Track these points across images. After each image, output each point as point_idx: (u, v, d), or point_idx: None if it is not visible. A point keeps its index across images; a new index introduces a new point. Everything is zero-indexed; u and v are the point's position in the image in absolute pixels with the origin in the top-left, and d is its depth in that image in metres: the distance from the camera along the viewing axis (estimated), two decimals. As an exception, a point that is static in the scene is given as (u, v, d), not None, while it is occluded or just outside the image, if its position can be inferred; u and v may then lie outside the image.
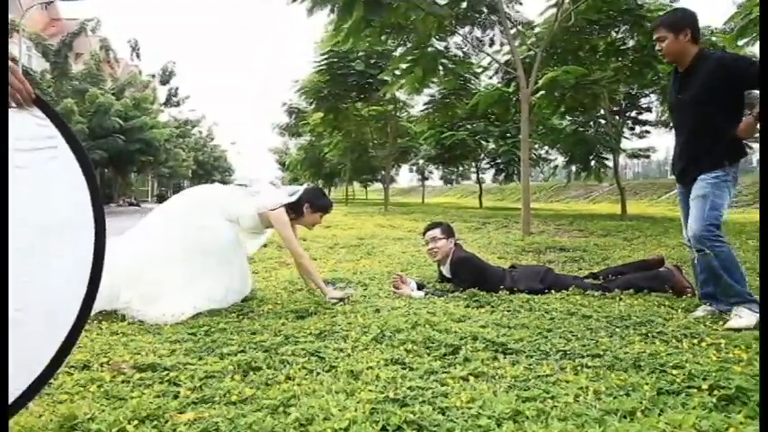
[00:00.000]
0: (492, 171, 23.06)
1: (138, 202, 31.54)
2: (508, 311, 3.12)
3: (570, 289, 3.56)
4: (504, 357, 2.31)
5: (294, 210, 3.49)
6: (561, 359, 2.27)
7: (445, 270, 3.85)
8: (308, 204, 3.53)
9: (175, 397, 1.84)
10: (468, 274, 3.63)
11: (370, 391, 1.84)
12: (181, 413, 1.71)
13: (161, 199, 40.56)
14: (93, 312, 2.43)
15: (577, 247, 6.53)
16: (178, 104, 33.64)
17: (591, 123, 14.82)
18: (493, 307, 3.24)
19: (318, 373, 2.08)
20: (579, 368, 2.13)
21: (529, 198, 9.30)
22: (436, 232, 3.80)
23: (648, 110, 16.09)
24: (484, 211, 17.46)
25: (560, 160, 19.62)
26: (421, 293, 3.58)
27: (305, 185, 3.69)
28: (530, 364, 2.19)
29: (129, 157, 26.22)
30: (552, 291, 3.55)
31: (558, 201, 30.78)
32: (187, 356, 2.28)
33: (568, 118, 14.76)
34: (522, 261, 5.53)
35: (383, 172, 23.63)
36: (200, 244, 3.15)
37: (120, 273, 2.95)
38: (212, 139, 54.50)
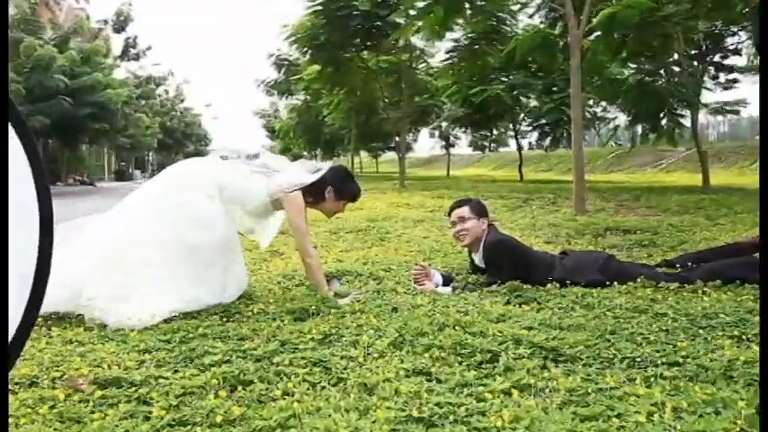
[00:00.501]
0: (535, 135, 22.90)
1: (92, 180, 31.89)
2: (560, 309, 3.11)
3: (638, 280, 3.53)
4: (556, 366, 2.31)
5: (312, 192, 3.49)
6: (629, 368, 2.26)
7: (478, 258, 3.84)
8: (332, 188, 3.55)
9: (146, 419, 1.86)
10: (506, 263, 3.62)
11: (387, 408, 1.85)
12: (153, 439, 1.72)
13: (120, 176, 41.02)
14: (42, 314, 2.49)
15: (647, 228, 6.48)
16: (138, 58, 33.72)
17: (661, 72, 14.56)
18: (540, 303, 3.23)
19: (323, 387, 2.09)
20: (652, 379, 2.12)
21: (582, 168, 9.23)
22: (464, 211, 3.79)
23: (737, 52, 15.72)
24: (525, 185, 17.36)
25: (622, 119, 19.42)
26: (448, 289, 3.58)
27: (329, 163, 3.71)
28: (588, 375, 2.18)
29: (79, 123, 26.36)
30: (615, 283, 3.52)
31: (620, 170, 30.51)
32: (160, 369, 2.30)
33: (632, 65, 14.54)
34: (576, 247, 5.50)
35: (397, 138, 23.53)
36: (179, 227, 3.17)
37: (91, 261, 3.02)
38: (182, 100, 54.77)
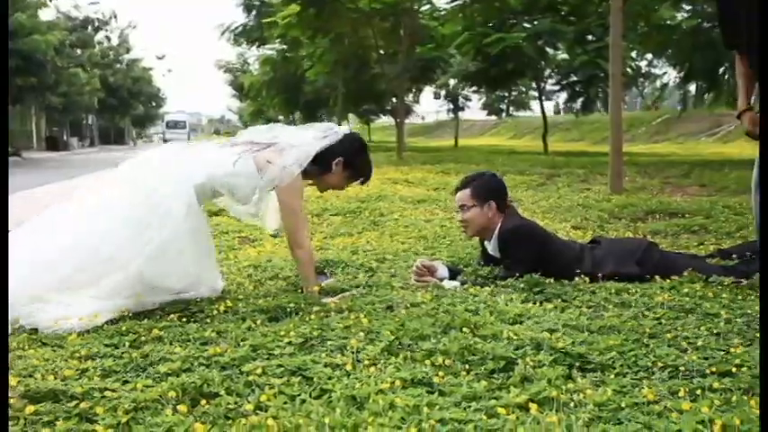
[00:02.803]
0: (563, 95, 22.93)
1: (18, 150, 31.67)
2: (589, 308, 3.17)
3: (685, 274, 3.60)
4: (584, 376, 2.36)
5: (316, 161, 3.52)
6: (671, 378, 2.32)
7: (491, 247, 3.90)
8: (341, 159, 3.57)
9: (91, 439, 1.91)
10: (525, 252, 3.68)
11: (380, 425, 1.90)
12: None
13: (52, 144, 40.82)
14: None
15: (697, 211, 6.56)
16: (71, -6, 33.37)
17: (721, 17, 14.56)
18: (565, 301, 3.30)
19: (303, 401, 2.14)
20: (699, 392, 2.17)
21: (621, 136, 9.28)
22: (464, 196, 3.86)
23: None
24: (551, 157, 17.45)
25: (671, 76, 19.44)
26: (455, 283, 3.64)
27: (343, 128, 3.71)
28: (622, 386, 2.24)
29: (-2, 79, 26.27)
30: (656, 277, 3.59)
31: (668, 140, 30.64)
32: (106, 379, 2.34)
33: (685, 8, 14.53)
34: (610, 233, 5.57)
35: (394, 99, 23.53)
36: (143, 212, 3.26)
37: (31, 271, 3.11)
38: (128, 50, 54.37)
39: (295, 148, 3.46)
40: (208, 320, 3.03)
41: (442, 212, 6.70)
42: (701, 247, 4.88)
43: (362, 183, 3.78)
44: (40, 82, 28.73)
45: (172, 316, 3.06)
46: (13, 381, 2.29)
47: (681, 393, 2.17)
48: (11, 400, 2.16)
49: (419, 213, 6.69)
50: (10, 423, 2.01)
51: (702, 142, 28.20)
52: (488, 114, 44.47)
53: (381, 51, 20.80)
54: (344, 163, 3.58)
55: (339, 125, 3.74)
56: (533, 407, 2.02)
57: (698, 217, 6.21)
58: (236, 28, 29.80)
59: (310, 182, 3.66)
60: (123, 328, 2.88)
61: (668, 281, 3.54)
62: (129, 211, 3.29)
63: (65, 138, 46.15)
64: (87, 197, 3.56)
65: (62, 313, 2.97)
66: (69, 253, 3.19)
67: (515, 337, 2.64)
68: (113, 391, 2.24)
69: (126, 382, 2.35)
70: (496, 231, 3.82)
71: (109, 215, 3.30)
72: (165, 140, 53.34)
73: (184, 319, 3.04)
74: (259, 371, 2.36)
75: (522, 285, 3.48)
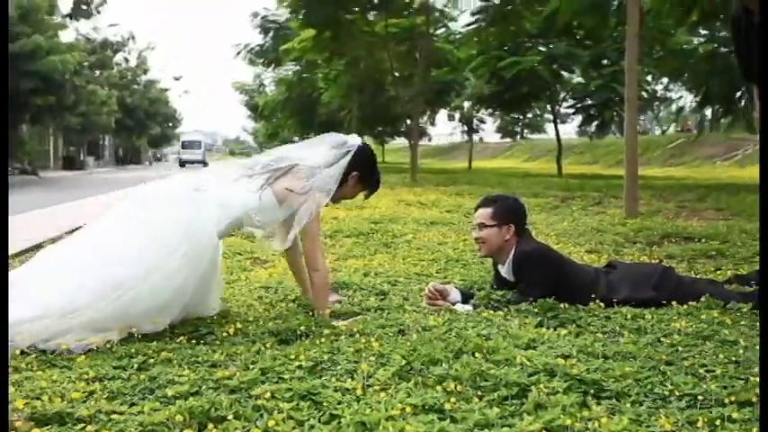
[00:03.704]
0: (578, 119, 22.90)
1: (35, 168, 32.04)
2: (604, 334, 3.14)
3: (702, 299, 3.55)
4: (599, 404, 2.32)
5: None
6: (688, 407, 2.27)
7: (504, 270, 3.87)
8: (357, 174, 3.58)
9: (96, 462, 1.88)
10: (539, 276, 3.65)
11: (390, 453, 1.87)
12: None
13: (69, 164, 41.20)
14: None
15: (714, 236, 6.49)
16: (90, 16, 33.79)
17: (737, 41, 14.54)
18: (580, 327, 3.26)
19: (312, 427, 2.11)
20: (718, 422, 2.12)
21: (636, 159, 9.24)
22: (485, 215, 3.82)
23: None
24: (565, 180, 17.40)
25: (688, 100, 19.39)
26: (468, 307, 3.60)
27: (353, 139, 3.67)
28: (638, 415, 2.20)
29: (17, 98, 26.48)
30: (673, 303, 3.54)
31: (683, 164, 30.53)
32: (113, 402, 2.32)
33: (702, 32, 14.52)
34: (625, 258, 5.51)
35: (408, 122, 23.62)
36: (167, 238, 3.22)
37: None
38: (146, 71, 55.01)
39: (320, 173, 3.46)
40: (217, 343, 3.01)
41: (455, 235, 6.67)
42: (719, 272, 4.82)
43: (374, 192, 3.79)
44: (59, 102, 29.02)
45: (181, 338, 3.04)
46: (19, 403, 2.27)
47: (699, 423, 2.12)
48: (17, 423, 2.14)
49: (432, 236, 6.65)
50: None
51: (718, 166, 28.05)
52: (503, 137, 44.64)
53: (396, 74, 20.90)
54: (360, 176, 3.60)
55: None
56: (547, 437, 1.97)
57: (714, 242, 6.15)
58: (252, 48, 30.05)
59: None
60: (132, 350, 2.86)
61: (685, 307, 3.50)
62: (161, 231, 3.27)
63: (81, 157, 46.61)
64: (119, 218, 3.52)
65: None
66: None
67: (529, 363, 2.59)
68: (120, 414, 2.22)
69: (133, 404, 2.33)
70: (511, 254, 3.79)
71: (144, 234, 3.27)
72: (181, 161, 53.74)
73: (194, 341, 3.02)
74: (268, 395, 2.32)
75: (535, 310, 3.44)
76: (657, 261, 5.52)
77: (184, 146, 58.92)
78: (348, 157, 3.52)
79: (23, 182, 24.24)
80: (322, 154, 3.54)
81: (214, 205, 3.37)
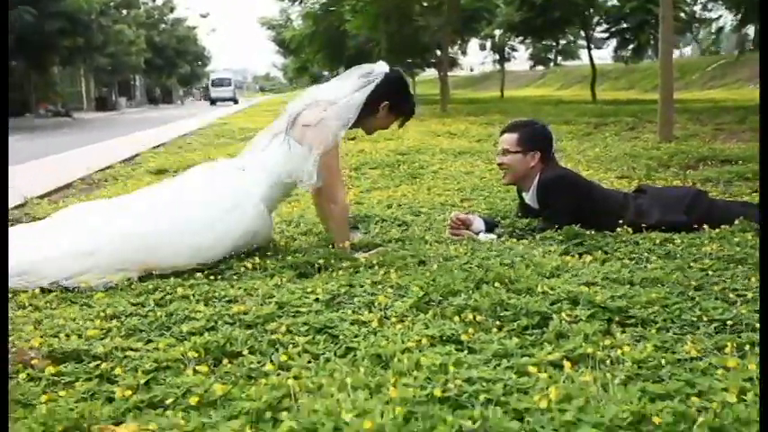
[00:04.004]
0: (612, 43, 22.26)
1: (69, 110, 32.28)
2: (631, 260, 3.05)
3: (736, 222, 3.43)
4: (623, 331, 2.26)
5: (363, 106, 3.41)
6: (717, 333, 2.21)
7: (529, 197, 3.77)
8: (388, 103, 3.46)
9: (109, 400, 1.87)
10: (565, 202, 3.55)
11: (405, 385, 1.82)
12: (116, 424, 1.73)
13: (101, 105, 41.43)
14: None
15: (751, 158, 6.29)
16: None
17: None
18: (606, 253, 3.18)
19: (328, 360, 2.08)
20: (748, 347, 2.05)
21: (671, 81, 8.98)
22: (511, 140, 3.69)
23: None
24: (599, 106, 17.02)
25: (728, 19, 18.68)
26: (492, 236, 3.52)
27: (380, 67, 3.52)
28: (664, 342, 2.13)
29: (46, 40, 26.47)
30: (705, 226, 3.42)
31: (723, 86, 29.61)
32: (129, 338, 2.31)
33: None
34: (658, 182, 5.36)
35: (438, 52, 23.14)
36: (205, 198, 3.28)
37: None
38: (172, 9, 54.56)
39: (335, 105, 3.35)
40: (235, 278, 2.98)
41: (482, 164, 6.55)
42: (755, 194, 4.65)
43: (409, 119, 3.64)
44: (87, 43, 28.96)
45: (199, 274, 3.00)
46: (36, 341, 2.27)
47: (727, 349, 2.04)
48: (34, 361, 2.14)
49: (459, 165, 6.55)
50: (31, 384, 1.98)
51: (758, 87, 27.17)
52: (535, 65, 43.63)
53: (425, 3, 20.41)
54: (391, 105, 3.47)
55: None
56: (567, 365, 1.91)
57: (751, 164, 5.94)
58: (279, -19, 29.57)
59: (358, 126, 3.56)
60: (149, 286, 2.84)
61: (717, 230, 3.38)
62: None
63: (113, 98, 46.75)
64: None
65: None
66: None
67: (551, 292, 2.54)
68: (136, 350, 2.21)
69: (149, 341, 2.31)
70: (536, 181, 3.68)
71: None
72: (212, 99, 53.69)
73: (212, 277, 2.99)
74: (283, 329, 2.30)
75: (560, 237, 3.36)
76: (690, 185, 5.39)
77: (214, 84, 58.68)
78: (371, 86, 3.39)
79: (57, 124, 24.46)
80: (348, 86, 3.43)
81: (256, 176, 3.37)
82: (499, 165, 3.78)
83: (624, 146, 8.07)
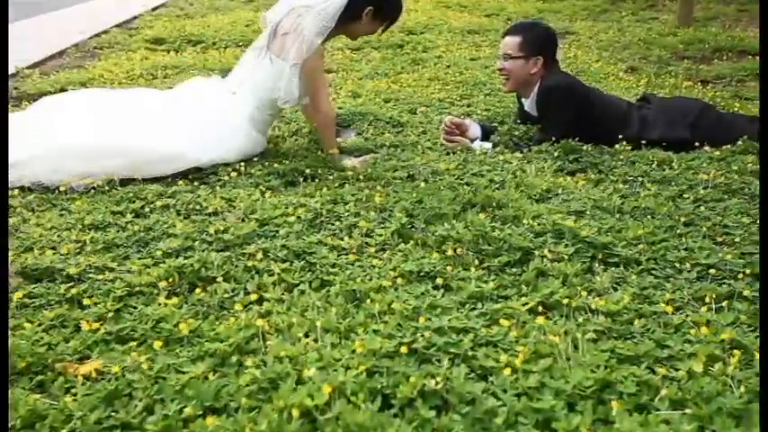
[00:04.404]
0: None
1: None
2: (625, 183, 2.97)
3: (740, 142, 3.32)
4: (605, 270, 2.23)
5: (344, 13, 3.21)
6: (699, 280, 2.16)
7: (528, 104, 3.62)
8: (371, 9, 3.26)
9: (76, 329, 1.86)
10: (563, 113, 3.40)
11: (375, 332, 1.80)
12: (81, 359, 1.73)
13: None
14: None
15: None
16: None
17: None
18: (601, 172, 3.09)
19: (302, 293, 2.06)
20: (725, 302, 2.00)
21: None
22: (513, 44, 3.50)
23: None
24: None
25: None
26: (487, 145, 3.42)
27: None
28: (643, 289, 2.09)
29: None
30: (706, 146, 3.31)
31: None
32: (105, 255, 2.29)
33: None
34: (668, 80, 5.15)
35: None
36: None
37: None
38: None
39: (312, 11, 3.14)
40: (219, 185, 2.92)
41: (488, 49, 6.29)
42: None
43: (394, 23, 3.45)
44: None
45: (182, 180, 2.93)
46: (11, 255, 2.24)
47: (706, 299, 2.00)
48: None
49: (465, 50, 6.29)
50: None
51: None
52: None
53: None
54: (375, 10, 3.27)
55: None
56: (540, 318, 1.87)
57: (767, 57, 5.69)
58: None
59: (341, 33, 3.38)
60: (131, 193, 2.78)
61: (718, 152, 3.26)
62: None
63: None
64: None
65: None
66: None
67: (537, 223, 2.47)
68: (111, 270, 2.19)
69: (126, 257, 2.29)
70: (536, 88, 3.52)
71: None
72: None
73: (196, 183, 2.93)
74: (260, 255, 2.26)
75: (556, 153, 3.24)
76: (704, 81, 5.21)
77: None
78: None
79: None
80: None
81: (244, 98, 3.28)
82: (500, 71, 3.60)
83: (639, 29, 7.72)
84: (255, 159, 3.20)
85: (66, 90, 4.66)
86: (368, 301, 1.97)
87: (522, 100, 3.68)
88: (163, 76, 5.08)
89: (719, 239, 2.42)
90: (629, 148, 3.29)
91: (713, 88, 4.92)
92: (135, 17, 8.98)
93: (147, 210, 2.65)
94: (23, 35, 7.35)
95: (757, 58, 5.88)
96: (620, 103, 3.62)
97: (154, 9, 9.98)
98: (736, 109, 4.13)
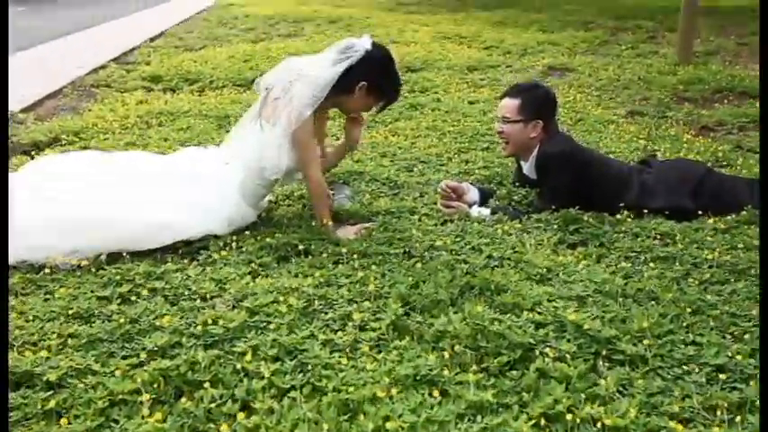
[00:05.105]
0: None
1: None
2: (627, 259, 2.88)
3: (745, 211, 3.25)
4: (610, 368, 2.14)
5: (336, 85, 3.12)
6: (709, 383, 2.06)
7: (527, 168, 3.54)
8: (365, 84, 3.16)
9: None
10: (563, 180, 3.34)
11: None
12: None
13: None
14: None
15: (768, 94, 5.97)
16: None
17: None
18: (603, 246, 3.01)
19: (294, 400, 1.96)
20: (739, 418, 1.91)
21: None
22: (512, 107, 3.42)
23: None
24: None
25: None
26: (486, 212, 3.33)
27: (362, 42, 3.17)
28: (650, 395, 2.00)
29: None
30: (709, 217, 3.23)
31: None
32: (88, 353, 2.19)
33: None
34: (668, 130, 5.06)
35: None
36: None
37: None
38: None
39: (303, 80, 3.06)
40: (210, 262, 2.82)
41: (487, 91, 6.23)
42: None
43: (391, 102, 3.37)
44: None
45: (170, 260, 2.84)
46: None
47: (717, 411, 1.91)
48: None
49: (465, 90, 6.24)
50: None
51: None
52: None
53: None
54: (369, 87, 3.17)
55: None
56: (542, 437, 1.78)
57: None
58: None
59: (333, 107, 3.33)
60: (118, 275, 2.68)
61: (722, 224, 3.16)
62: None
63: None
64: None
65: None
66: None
67: (538, 312, 2.38)
68: (93, 373, 2.09)
69: (111, 355, 2.19)
70: (535, 152, 3.44)
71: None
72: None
73: (185, 260, 2.84)
74: (250, 353, 2.15)
75: (556, 224, 3.15)
76: (704, 128, 5.16)
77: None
78: (346, 63, 3.08)
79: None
80: (324, 61, 3.14)
81: (236, 165, 3.21)
82: (499, 134, 3.53)
83: (639, 66, 7.69)
84: (248, 232, 3.10)
85: (60, 140, 4.62)
86: (361, 415, 1.88)
87: (521, 162, 3.60)
88: (157, 123, 5.00)
89: (728, 332, 2.33)
90: (631, 216, 3.20)
91: (714, 140, 4.85)
92: (133, 49, 8.95)
93: (134, 296, 2.54)
94: (21, 68, 7.30)
95: (757, 102, 5.83)
96: (621, 168, 3.54)
97: (152, 39, 9.95)
98: (738, 165, 4.06)
